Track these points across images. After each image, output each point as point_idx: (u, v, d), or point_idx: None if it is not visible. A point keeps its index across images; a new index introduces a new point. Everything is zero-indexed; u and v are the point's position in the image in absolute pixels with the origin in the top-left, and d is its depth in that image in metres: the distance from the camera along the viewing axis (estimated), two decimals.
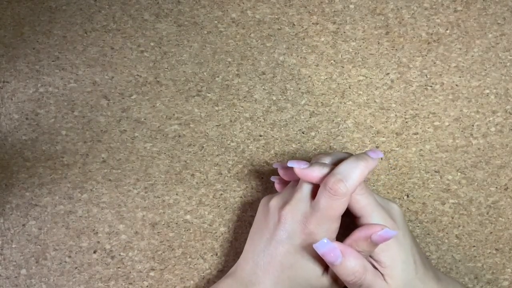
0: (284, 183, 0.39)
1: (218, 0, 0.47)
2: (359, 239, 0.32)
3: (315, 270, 0.33)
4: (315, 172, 0.33)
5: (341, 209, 0.32)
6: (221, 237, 0.42)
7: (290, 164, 0.33)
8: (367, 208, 0.33)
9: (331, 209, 0.32)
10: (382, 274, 0.33)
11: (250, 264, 0.34)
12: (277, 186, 0.39)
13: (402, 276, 0.32)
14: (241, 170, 0.43)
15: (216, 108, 0.45)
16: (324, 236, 0.32)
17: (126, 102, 0.45)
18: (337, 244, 0.31)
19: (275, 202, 0.35)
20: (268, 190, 0.43)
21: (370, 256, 0.33)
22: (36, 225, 0.41)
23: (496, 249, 0.42)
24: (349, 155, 0.34)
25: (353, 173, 0.31)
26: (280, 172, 0.37)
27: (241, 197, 0.43)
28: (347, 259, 0.31)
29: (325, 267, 0.33)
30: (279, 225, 0.33)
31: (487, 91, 0.45)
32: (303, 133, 0.44)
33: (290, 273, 0.33)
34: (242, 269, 0.35)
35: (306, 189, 0.34)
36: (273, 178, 0.39)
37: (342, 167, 0.32)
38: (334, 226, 0.33)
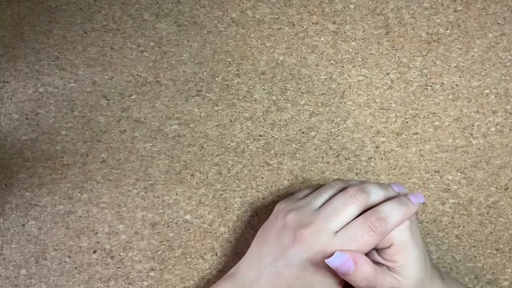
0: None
1: (218, 0, 0.47)
2: None
3: None
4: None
5: (370, 247, 0.32)
6: (221, 237, 0.42)
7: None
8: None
9: (363, 243, 0.31)
10: (395, 272, 0.32)
11: (254, 272, 0.33)
12: None
13: (414, 275, 0.32)
14: (241, 170, 0.43)
15: (216, 108, 0.45)
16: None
17: (126, 102, 0.45)
18: (348, 254, 0.30)
19: (293, 218, 0.33)
20: (267, 190, 0.43)
21: (384, 256, 0.33)
22: (36, 225, 0.41)
23: (496, 249, 0.42)
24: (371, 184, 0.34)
25: (395, 215, 0.31)
26: None
27: (241, 197, 0.43)
28: (359, 266, 0.30)
29: None
30: (293, 247, 0.32)
31: (487, 91, 0.45)
32: (303, 133, 0.44)
33: None
34: (245, 273, 0.34)
35: (332, 219, 0.32)
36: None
37: (385, 207, 0.32)
38: None
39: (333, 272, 0.32)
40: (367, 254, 0.32)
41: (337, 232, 0.32)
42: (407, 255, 0.32)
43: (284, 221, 0.33)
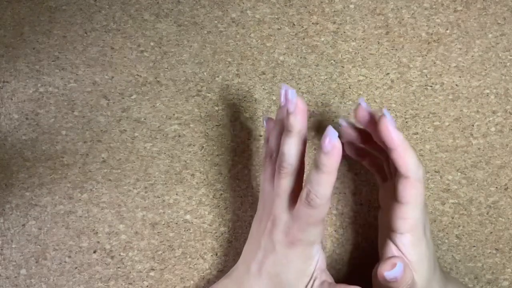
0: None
1: (218, 0, 0.47)
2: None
3: (300, 279, 0.33)
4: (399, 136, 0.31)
5: (321, 216, 0.31)
6: (221, 237, 0.42)
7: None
8: (416, 198, 0.32)
9: (311, 217, 0.31)
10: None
11: (245, 267, 0.35)
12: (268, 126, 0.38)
13: (425, 273, 0.32)
14: (241, 170, 0.43)
15: (216, 108, 0.45)
16: (310, 241, 0.32)
17: (126, 102, 0.45)
18: (399, 260, 0.30)
19: (264, 206, 0.35)
20: None
21: (402, 248, 0.33)
22: (36, 225, 0.41)
23: (496, 249, 0.42)
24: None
25: (320, 185, 0.30)
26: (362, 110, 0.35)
27: (241, 197, 0.43)
28: (406, 273, 0.30)
29: (309, 279, 0.33)
30: (265, 233, 0.33)
31: (487, 91, 0.45)
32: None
33: (277, 281, 0.33)
34: (238, 270, 0.35)
35: (284, 196, 0.33)
36: (264, 117, 0.38)
37: (310, 178, 0.31)
38: (318, 228, 0.32)
39: (303, 247, 0.32)
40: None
41: (292, 210, 0.32)
42: (422, 251, 0.32)
43: (262, 212, 0.35)
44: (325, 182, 0.30)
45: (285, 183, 0.32)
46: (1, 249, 0.41)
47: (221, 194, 0.43)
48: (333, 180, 0.30)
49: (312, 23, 0.47)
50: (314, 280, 0.33)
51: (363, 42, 0.46)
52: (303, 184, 0.32)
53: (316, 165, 0.30)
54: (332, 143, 0.29)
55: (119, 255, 0.41)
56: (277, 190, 0.33)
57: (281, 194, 0.33)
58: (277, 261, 0.33)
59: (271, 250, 0.33)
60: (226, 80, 0.45)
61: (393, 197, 0.32)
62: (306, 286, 0.33)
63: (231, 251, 0.42)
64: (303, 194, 0.31)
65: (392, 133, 0.31)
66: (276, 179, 0.33)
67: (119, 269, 0.41)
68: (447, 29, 0.46)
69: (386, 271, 0.30)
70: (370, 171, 0.42)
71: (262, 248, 0.33)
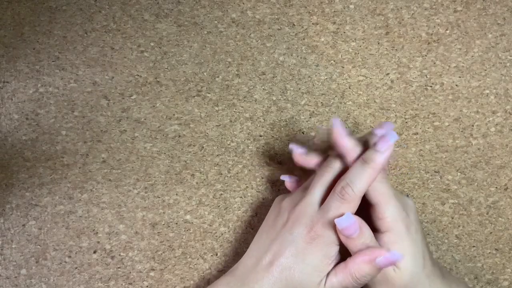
0: (295, 182, 0.39)
1: (218, 0, 0.47)
2: (362, 263, 0.32)
3: (313, 277, 0.33)
4: (349, 143, 0.34)
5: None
6: (221, 237, 0.42)
7: (333, 120, 0.34)
8: (384, 196, 0.34)
9: (339, 212, 0.32)
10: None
11: (253, 261, 0.34)
12: (288, 185, 0.39)
13: (409, 269, 0.33)
14: (241, 170, 0.43)
15: (216, 108, 0.45)
16: (331, 240, 0.33)
17: (126, 102, 0.45)
18: (356, 218, 0.32)
19: (286, 203, 0.35)
20: (268, 190, 0.43)
21: (382, 244, 0.34)
22: (36, 225, 0.41)
23: (496, 249, 0.42)
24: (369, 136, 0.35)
25: (360, 178, 0.32)
26: (297, 155, 0.37)
27: (241, 197, 0.43)
28: (363, 231, 0.32)
29: (324, 276, 0.33)
30: (286, 226, 0.34)
31: (487, 91, 0.45)
32: (303, 133, 0.44)
33: (288, 275, 0.33)
34: (244, 265, 0.35)
35: (317, 193, 0.34)
36: (283, 177, 0.39)
37: (351, 172, 0.33)
38: None
39: (324, 245, 0.33)
40: None
41: (321, 205, 0.34)
42: (404, 247, 0.33)
43: (279, 207, 0.36)
44: (366, 176, 0.32)
45: (324, 179, 0.35)
46: (1, 249, 0.41)
47: (221, 194, 0.43)
48: (374, 178, 0.33)
49: (312, 24, 0.47)
50: (327, 277, 0.33)
51: (363, 43, 0.46)
52: (340, 179, 0.33)
53: (364, 160, 0.33)
54: (388, 144, 0.32)
55: (119, 255, 0.41)
56: (314, 183, 0.35)
57: (313, 189, 0.34)
58: (294, 254, 0.33)
59: (289, 242, 0.33)
60: (226, 80, 0.45)
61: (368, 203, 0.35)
62: (319, 283, 0.33)
63: (231, 251, 0.42)
64: (338, 187, 0.33)
65: (342, 139, 0.34)
66: (317, 178, 0.35)
67: (119, 269, 0.41)
68: (447, 29, 0.46)
69: (337, 219, 0.32)
70: None
71: (279, 240, 0.34)
